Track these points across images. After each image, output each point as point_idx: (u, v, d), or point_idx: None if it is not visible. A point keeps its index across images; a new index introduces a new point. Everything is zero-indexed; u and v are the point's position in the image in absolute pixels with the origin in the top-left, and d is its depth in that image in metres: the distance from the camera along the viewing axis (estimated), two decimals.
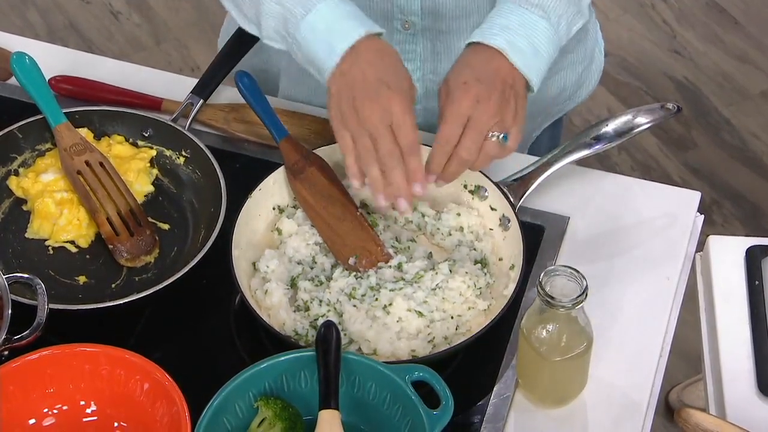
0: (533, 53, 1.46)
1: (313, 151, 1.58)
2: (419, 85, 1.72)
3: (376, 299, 1.46)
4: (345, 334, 1.44)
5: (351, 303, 1.46)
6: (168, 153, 1.65)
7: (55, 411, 1.39)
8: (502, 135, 1.42)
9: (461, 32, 1.66)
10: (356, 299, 1.47)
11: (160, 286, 1.46)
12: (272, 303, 1.46)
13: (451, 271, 1.48)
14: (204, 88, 1.70)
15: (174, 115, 1.67)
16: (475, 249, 1.53)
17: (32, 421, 1.38)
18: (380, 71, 1.43)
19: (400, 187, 1.42)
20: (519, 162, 1.61)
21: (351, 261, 1.52)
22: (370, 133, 1.41)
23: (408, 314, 1.44)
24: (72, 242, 1.58)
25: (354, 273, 1.50)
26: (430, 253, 1.54)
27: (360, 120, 1.41)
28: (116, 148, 1.64)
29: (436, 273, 1.48)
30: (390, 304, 1.45)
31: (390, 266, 1.51)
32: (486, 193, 1.56)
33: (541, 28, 1.47)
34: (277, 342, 1.43)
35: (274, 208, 1.57)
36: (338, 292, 1.48)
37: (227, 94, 1.74)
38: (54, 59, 1.77)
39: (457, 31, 1.66)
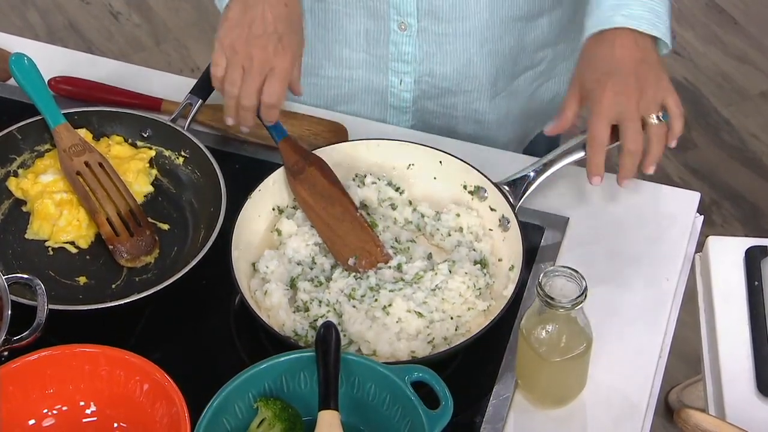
0: (654, 15, 1.48)
1: (313, 151, 1.58)
2: (414, 87, 1.72)
3: (376, 300, 1.46)
4: (344, 335, 1.44)
5: (350, 303, 1.46)
6: (167, 153, 1.65)
7: (54, 411, 1.39)
8: (658, 114, 1.43)
9: (457, 35, 1.66)
10: (356, 300, 1.47)
11: (160, 287, 1.46)
12: (272, 303, 1.46)
13: (450, 271, 1.48)
14: (203, 89, 1.69)
15: (173, 116, 1.67)
16: (474, 249, 1.53)
17: (32, 421, 1.38)
18: (281, 22, 1.48)
19: (248, 121, 1.52)
20: (519, 162, 1.61)
21: (351, 261, 1.52)
22: (245, 69, 1.47)
23: (407, 315, 1.44)
24: (72, 243, 1.58)
25: (354, 274, 1.50)
26: (430, 253, 1.54)
27: (243, 55, 1.47)
28: (115, 149, 1.64)
29: (436, 273, 1.48)
30: (389, 305, 1.45)
31: (389, 267, 1.51)
32: (485, 194, 1.56)
33: None
34: (276, 342, 1.43)
35: (273, 209, 1.57)
36: (338, 293, 1.47)
37: None
38: (53, 60, 1.77)
39: (454, 34, 1.66)
